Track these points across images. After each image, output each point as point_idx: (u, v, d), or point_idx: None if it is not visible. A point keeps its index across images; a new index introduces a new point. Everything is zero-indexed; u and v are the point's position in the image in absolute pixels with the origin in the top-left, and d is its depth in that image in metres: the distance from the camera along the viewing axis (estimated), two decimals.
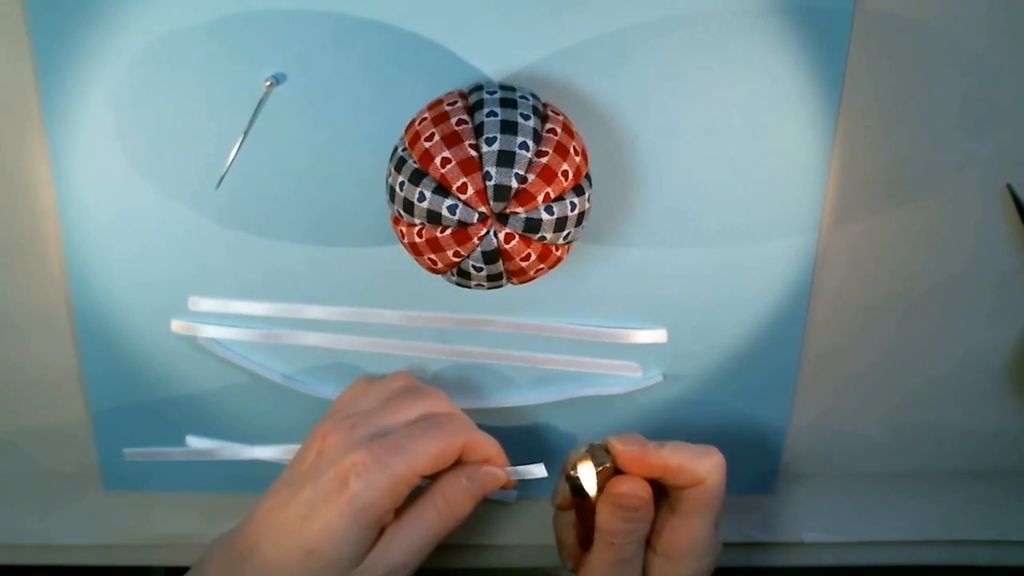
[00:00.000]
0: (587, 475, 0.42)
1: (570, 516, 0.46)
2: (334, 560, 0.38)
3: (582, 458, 0.42)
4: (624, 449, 0.41)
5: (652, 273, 0.48)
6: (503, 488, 0.43)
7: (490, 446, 0.43)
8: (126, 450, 0.52)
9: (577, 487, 0.42)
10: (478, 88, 0.41)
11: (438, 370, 0.50)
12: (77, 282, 0.48)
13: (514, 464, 0.44)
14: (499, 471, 0.42)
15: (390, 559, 0.39)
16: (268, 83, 0.44)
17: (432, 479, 0.42)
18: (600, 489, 0.42)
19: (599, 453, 0.42)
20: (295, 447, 0.52)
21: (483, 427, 0.52)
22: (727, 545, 0.56)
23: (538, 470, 0.43)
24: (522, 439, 0.52)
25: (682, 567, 0.43)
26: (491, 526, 0.55)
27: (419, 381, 0.46)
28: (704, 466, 0.42)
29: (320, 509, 0.38)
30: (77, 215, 0.47)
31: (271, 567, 0.38)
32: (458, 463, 0.42)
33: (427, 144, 0.39)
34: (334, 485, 0.38)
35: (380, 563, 0.39)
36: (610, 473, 0.42)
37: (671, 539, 0.43)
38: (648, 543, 0.44)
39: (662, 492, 0.44)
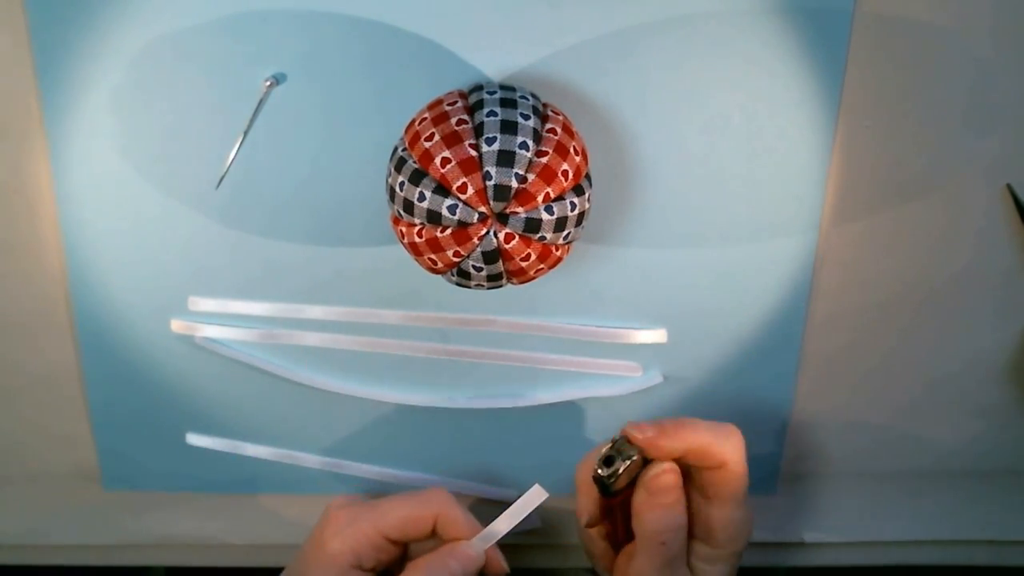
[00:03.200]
0: (615, 471, 0.40)
1: (598, 528, 0.45)
2: None
3: (607, 454, 0.41)
4: (644, 436, 0.41)
5: (652, 273, 0.48)
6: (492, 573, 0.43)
7: (467, 526, 0.43)
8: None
9: (606, 486, 0.41)
10: (478, 88, 0.41)
11: (439, 369, 0.50)
12: (77, 282, 0.48)
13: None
14: (472, 549, 0.42)
15: None
16: (268, 83, 0.44)
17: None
18: (631, 483, 0.41)
19: (623, 447, 0.41)
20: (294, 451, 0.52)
21: (483, 428, 0.52)
22: None
23: (535, 494, 0.42)
24: (522, 440, 0.52)
25: (725, 550, 0.44)
26: None
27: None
28: (727, 448, 0.41)
29: (306, 567, 0.42)
30: (77, 215, 0.47)
31: None
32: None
33: (427, 144, 0.39)
34: (315, 541, 0.42)
35: None
36: (639, 467, 0.41)
37: (708, 525, 0.43)
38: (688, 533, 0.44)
39: (686, 477, 0.43)
